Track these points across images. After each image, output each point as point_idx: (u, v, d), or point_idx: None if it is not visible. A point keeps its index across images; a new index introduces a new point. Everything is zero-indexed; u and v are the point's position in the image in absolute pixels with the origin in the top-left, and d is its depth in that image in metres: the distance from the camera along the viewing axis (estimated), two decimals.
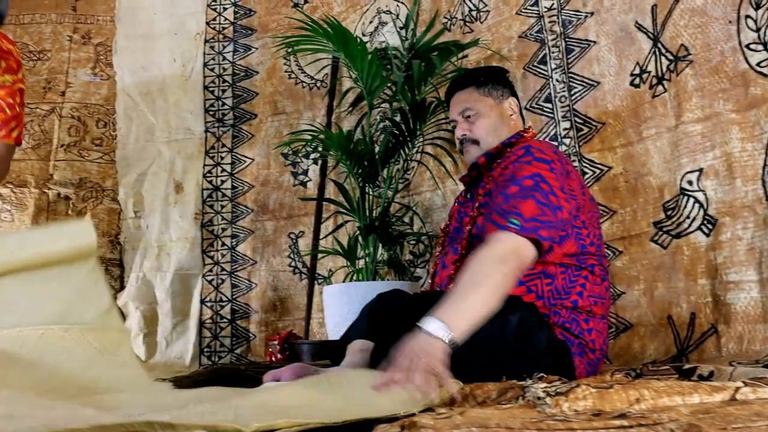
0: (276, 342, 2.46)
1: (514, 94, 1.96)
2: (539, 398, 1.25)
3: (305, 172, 3.56)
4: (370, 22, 3.49)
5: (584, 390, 1.20)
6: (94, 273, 1.49)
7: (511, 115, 1.90)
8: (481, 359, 1.50)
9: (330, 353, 2.23)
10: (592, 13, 2.61)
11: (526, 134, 1.88)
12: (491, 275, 1.48)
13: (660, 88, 2.36)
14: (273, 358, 2.48)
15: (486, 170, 1.84)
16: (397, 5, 3.40)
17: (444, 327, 1.36)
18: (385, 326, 1.66)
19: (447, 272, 1.84)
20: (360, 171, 2.88)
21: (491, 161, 1.84)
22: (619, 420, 0.94)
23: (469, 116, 1.90)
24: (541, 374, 1.50)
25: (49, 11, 4.16)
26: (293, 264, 3.49)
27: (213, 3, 3.96)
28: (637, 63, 2.45)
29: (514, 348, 1.56)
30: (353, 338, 1.80)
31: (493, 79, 1.93)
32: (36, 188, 3.91)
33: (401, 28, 3.29)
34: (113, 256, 3.92)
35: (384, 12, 3.44)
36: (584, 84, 2.60)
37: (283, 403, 1.18)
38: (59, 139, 3.99)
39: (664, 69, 2.34)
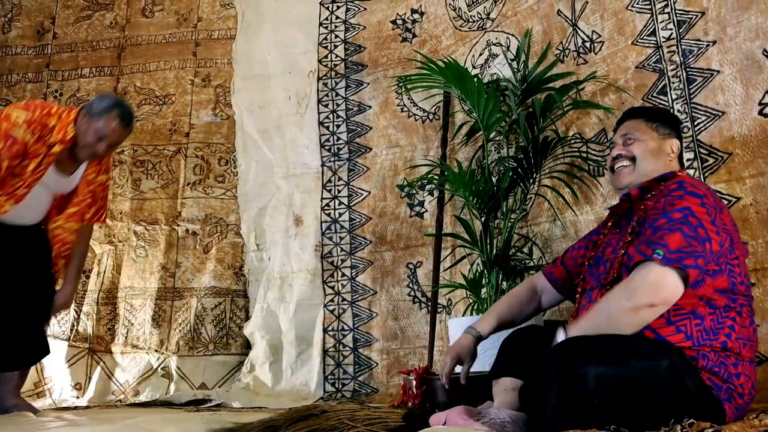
0: (413, 377, 2.55)
1: (680, 141, 1.99)
2: None
3: (421, 204, 3.65)
4: (480, 54, 3.56)
5: None
6: None
7: (669, 153, 1.93)
8: (631, 404, 1.55)
9: (467, 389, 2.30)
10: (714, 42, 2.59)
11: (679, 173, 1.91)
12: (611, 311, 1.65)
13: None
14: (408, 392, 2.58)
15: (639, 200, 1.89)
16: (507, 37, 3.45)
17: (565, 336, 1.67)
18: (529, 362, 1.74)
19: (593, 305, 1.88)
20: (482, 205, 2.95)
21: (643, 193, 1.88)
22: None
23: (628, 140, 1.96)
24: (692, 420, 1.53)
25: (172, 58, 4.45)
26: (412, 293, 3.59)
27: (324, 41, 4.12)
28: (766, 92, 2.42)
29: (663, 393, 1.59)
30: (499, 375, 1.89)
31: (664, 119, 1.99)
32: (166, 225, 4.18)
33: (512, 60, 3.34)
34: (238, 288, 4.14)
35: (494, 44, 3.50)
36: (708, 114, 2.58)
37: None
38: (185, 177, 4.25)
39: None
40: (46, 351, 3.12)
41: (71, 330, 4.10)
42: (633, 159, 1.94)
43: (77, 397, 3.92)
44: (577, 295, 1.99)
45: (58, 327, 4.12)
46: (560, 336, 1.67)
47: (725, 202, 2.49)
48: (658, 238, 1.65)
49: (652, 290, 1.62)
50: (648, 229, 1.71)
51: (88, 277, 4.19)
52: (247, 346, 4.03)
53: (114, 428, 2.04)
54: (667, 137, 1.95)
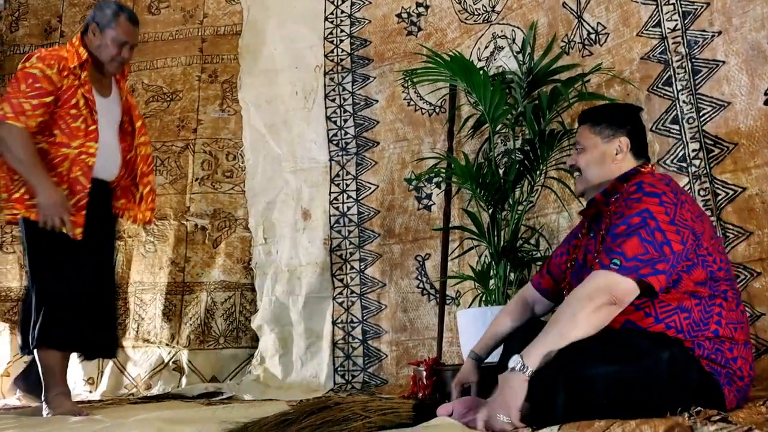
0: (423, 368, 2.58)
1: (634, 133, 1.99)
2: None
3: (428, 196, 3.68)
4: (486, 47, 3.57)
5: None
6: None
7: (616, 154, 1.96)
8: (637, 399, 1.57)
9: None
10: (719, 33, 2.60)
11: (643, 170, 1.93)
12: (574, 314, 1.64)
13: None
14: (419, 383, 2.61)
15: (603, 205, 1.92)
16: (513, 30, 3.46)
17: (520, 361, 1.61)
18: None
19: None
20: (489, 198, 2.97)
21: (607, 197, 1.92)
22: None
23: (577, 149, 2.05)
24: (699, 408, 1.56)
25: (178, 54, 4.48)
26: (421, 285, 3.62)
27: (330, 36, 4.14)
28: None
29: (666, 385, 1.61)
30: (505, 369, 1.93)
31: (607, 118, 2.02)
32: (175, 220, 4.21)
33: (518, 53, 3.36)
34: (247, 282, 4.17)
35: (499, 37, 3.52)
36: (713, 104, 2.60)
37: None
38: (194, 173, 4.28)
39: None
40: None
41: None
42: (580, 171, 2.03)
43: (90, 392, 3.97)
44: (565, 297, 2.02)
45: None
46: (515, 361, 1.64)
47: (731, 192, 2.51)
48: (616, 245, 1.68)
49: (608, 291, 1.64)
50: (608, 237, 1.74)
51: None
52: (256, 339, 4.06)
53: (126, 423, 2.07)
54: (612, 138, 1.97)
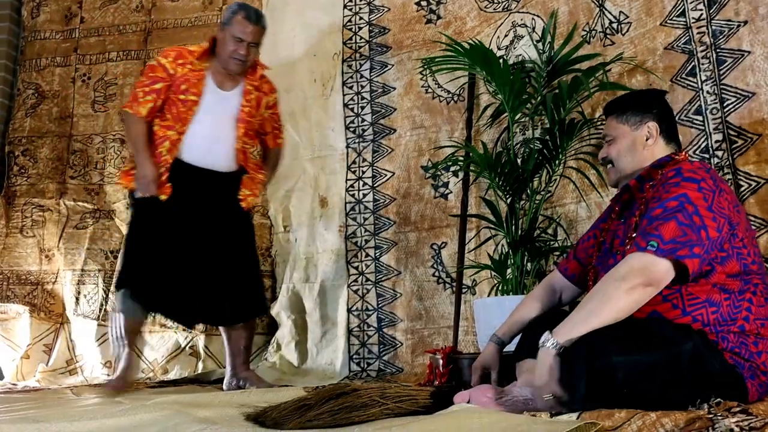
0: (439, 356, 2.59)
1: (662, 116, 1.99)
2: (732, 431, 1.31)
3: (445, 185, 3.67)
4: (505, 35, 3.55)
5: None
6: None
7: (647, 140, 1.95)
8: (658, 387, 1.57)
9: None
10: (745, 22, 2.57)
11: (677, 156, 1.92)
12: (607, 292, 1.65)
13: None
14: (435, 371, 2.62)
15: (638, 191, 1.91)
16: (533, 18, 3.44)
17: (552, 339, 1.64)
18: None
19: None
20: (507, 187, 2.96)
21: (642, 183, 1.91)
22: None
23: (607, 140, 2.05)
24: (719, 399, 1.56)
25: (198, 41, 4.41)
26: (437, 274, 3.62)
27: (348, 23, 4.13)
28: None
29: (688, 375, 1.61)
30: (524, 356, 1.92)
31: (632, 106, 2.01)
32: None
33: (538, 42, 3.34)
34: (265, 268, 4.18)
35: (519, 25, 3.49)
36: (738, 95, 2.57)
37: None
38: None
39: None
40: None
41: (100, 310, 4.19)
42: (612, 162, 2.03)
43: (108, 375, 4.01)
44: (590, 283, 2.01)
45: (88, 307, 4.21)
46: (545, 338, 1.66)
47: (754, 183, 2.48)
48: (653, 228, 1.66)
49: (644, 272, 1.63)
50: (644, 219, 1.73)
51: (116, 258, 4.27)
52: (272, 325, 4.08)
53: (146, 406, 2.09)
54: (640, 125, 1.97)
